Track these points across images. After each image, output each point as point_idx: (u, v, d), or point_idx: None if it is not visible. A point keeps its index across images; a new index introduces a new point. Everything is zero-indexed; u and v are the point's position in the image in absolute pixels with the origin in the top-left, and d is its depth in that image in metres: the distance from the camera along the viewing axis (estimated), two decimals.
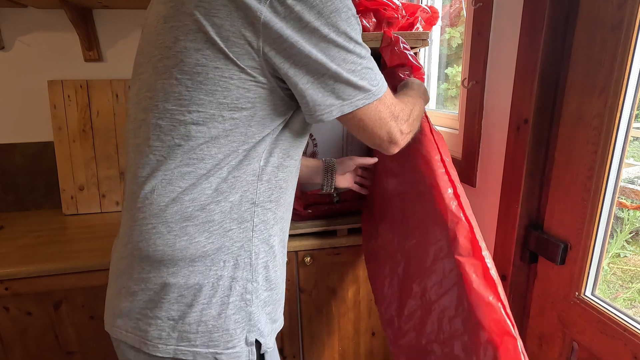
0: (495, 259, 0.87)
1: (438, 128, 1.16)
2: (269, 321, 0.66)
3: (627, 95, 0.61)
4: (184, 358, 0.60)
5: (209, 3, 0.52)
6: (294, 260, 1.10)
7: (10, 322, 1.04)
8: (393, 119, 0.63)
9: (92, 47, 1.37)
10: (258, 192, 0.61)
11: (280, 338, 1.17)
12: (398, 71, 0.91)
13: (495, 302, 0.62)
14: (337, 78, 0.55)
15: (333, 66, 0.54)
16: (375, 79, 0.59)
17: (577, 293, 0.72)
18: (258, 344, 0.64)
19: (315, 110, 0.57)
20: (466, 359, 0.65)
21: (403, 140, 0.67)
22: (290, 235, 1.10)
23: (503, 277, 0.84)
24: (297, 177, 0.71)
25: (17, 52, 1.34)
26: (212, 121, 0.56)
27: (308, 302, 1.14)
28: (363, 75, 0.57)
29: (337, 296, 1.17)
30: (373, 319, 1.22)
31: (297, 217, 1.12)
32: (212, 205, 0.58)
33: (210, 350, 0.61)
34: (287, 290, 1.12)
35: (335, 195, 1.09)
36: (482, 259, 0.64)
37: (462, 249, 0.66)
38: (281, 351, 1.18)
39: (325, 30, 0.53)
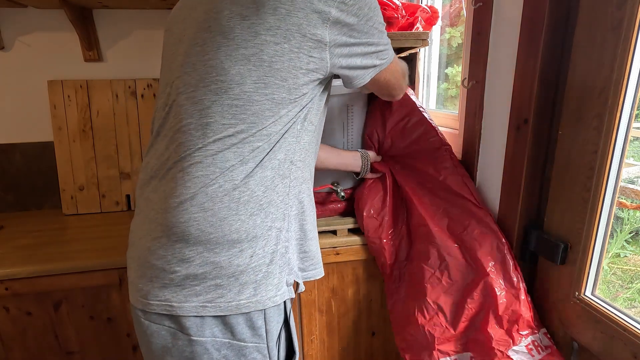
0: None
1: (438, 128, 1.16)
2: (300, 269, 0.75)
3: (627, 95, 0.61)
4: (246, 311, 0.65)
5: (291, 5, 0.62)
6: None
7: (10, 322, 1.04)
8: (399, 76, 0.86)
9: (92, 47, 1.37)
10: (294, 151, 0.69)
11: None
12: None
13: None
14: (378, 54, 0.73)
15: (377, 48, 0.72)
16: (391, 50, 0.77)
17: (577, 293, 0.72)
18: (296, 285, 0.73)
19: (357, 77, 0.73)
20: None
21: (406, 87, 0.96)
22: None
23: None
24: (318, 142, 0.81)
25: (17, 52, 1.34)
26: (281, 100, 0.65)
27: (308, 302, 1.14)
28: (388, 49, 0.75)
29: (337, 296, 1.17)
30: (373, 319, 1.22)
31: None
32: (267, 162, 0.66)
33: (261, 296, 0.66)
34: None
35: (340, 191, 1.11)
36: None
37: None
38: None
39: (372, 23, 0.68)
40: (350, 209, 1.16)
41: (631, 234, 0.78)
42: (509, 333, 0.79)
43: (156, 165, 0.70)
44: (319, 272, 0.80)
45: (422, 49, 1.23)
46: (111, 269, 1.03)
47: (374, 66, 0.75)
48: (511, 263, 0.80)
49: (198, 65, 0.67)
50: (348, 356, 1.25)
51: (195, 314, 0.63)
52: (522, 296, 0.78)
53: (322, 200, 1.13)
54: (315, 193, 1.11)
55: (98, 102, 1.38)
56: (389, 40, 0.76)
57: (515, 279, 0.79)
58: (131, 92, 1.40)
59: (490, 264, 0.80)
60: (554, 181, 0.75)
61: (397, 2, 1.00)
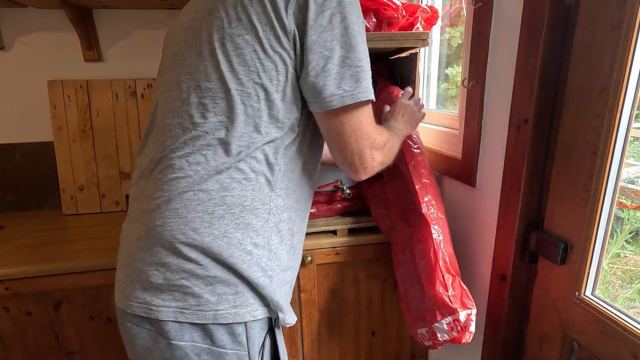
0: (495, 259, 0.87)
1: (438, 128, 1.16)
2: (285, 299, 0.72)
3: (627, 95, 0.61)
4: (223, 322, 0.63)
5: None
6: None
7: (10, 322, 1.04)
8: (369, 139, 0.67)
9: (92, 47, 1.37)
10: (276, 178, 0.66)
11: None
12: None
13: None
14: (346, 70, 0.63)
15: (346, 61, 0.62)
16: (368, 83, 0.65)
17: (577, 293, 0.72)
18: (277, 320, 0.71)
19: (320, 97, 0.64)
20: None
21: (372, 169, 0.69)
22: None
23: (503, 277, 0.84)
24: (311, 173, 0.75)
25: (17, 52, 1.34)
26: (249, 100, 0.62)
27: (308, 302, 1.14)
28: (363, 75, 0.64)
29: (337, 296, 1.17)
30: (373, 319, 1.22)
31: None
32: (246, 181, 0.64)
33: (241, 308, 0.64)
34: None
35: (346, 188, 1.10)
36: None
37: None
38: None
39: (339, 18, 0.62)
40: (350, 209, 1.16)
41: (631, 234, 0.78)
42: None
43: (144, 165, 0.69)
44: (290, 318, 0.74)
45: (422, 49, 1.23)
46: (111, 269, 1.03)
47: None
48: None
49: (176, 65, 0.67)
50: (348, 356, 1.25)
51: (173, 319, 0.62)
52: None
53: (324, 200, 1.13)
54: (318, 192, 1.11)
55: (98, 102, 1.38)
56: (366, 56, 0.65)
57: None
58: (131, 92, 1.40)
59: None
60: (554, 181, 0.75)
61: (397, 2, 1.00)
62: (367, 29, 0.99)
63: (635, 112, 0.61)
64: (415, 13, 1.03)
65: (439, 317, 0.85)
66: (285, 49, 0.62)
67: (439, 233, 0.90)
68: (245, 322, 0.64)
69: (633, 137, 0.63)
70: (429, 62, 1.32)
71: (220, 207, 0.62)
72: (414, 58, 1.07)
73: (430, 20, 1.06)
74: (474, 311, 0.85)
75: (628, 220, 0.77)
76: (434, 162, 1.13)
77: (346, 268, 1.15)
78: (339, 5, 0.61)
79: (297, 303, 1.14)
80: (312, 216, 1.12)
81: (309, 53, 0.61)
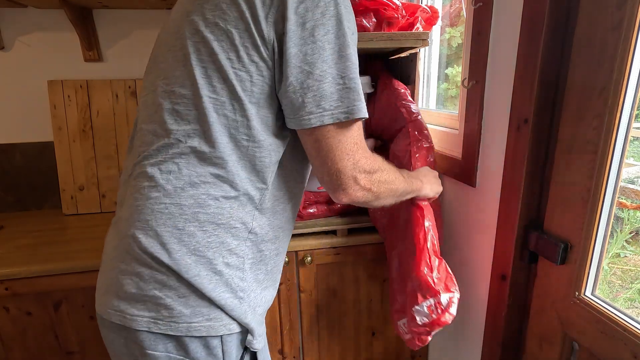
0: (495, 259, 0.87)
1: (438, 128, 1.16)
2: (259, 322, 0.68)
3: (627, 95, 0.61)
4: (197, 335, 0.61)
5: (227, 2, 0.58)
6: (294, 260, 1.10)
7: (10, 322, 1.04)
8: (351, 160, 0.62)
9: (92, 47, 1.37)
10: (263, 198, 0.64)
11: (280, 338, 1.17)
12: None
13: None
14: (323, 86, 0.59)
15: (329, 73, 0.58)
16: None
17: (577, 293, 0.72)
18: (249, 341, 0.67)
19: (296, 114, 0.60)
20: None
21: (354, 192, 0.64)
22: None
23: (503, 277, 0.84)
24: (296, 192, 0.72)
25: (17, 52, 1.34)
26: (223, 109, 0.59)
27: (308, 302, 1.14)
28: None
29: (337, 296, 1.17)
30: (373, 319, 1.22)
31: (297, 217, 1.12)
32: (224, 199, 0.61)
33: (215, 321, 0.62)
34: (287, 290, 1.12)
35: None
36: None
37: None
38: (281, 351, 1.18)
39: (323, 31, 0.57)
40: (350, 209, 1.16)
41: (631, 234, 0.78)
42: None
43: (125, 169, 0.68)
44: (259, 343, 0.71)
45: (422, 49, 1.23)
46: None
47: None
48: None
49: (154, 68, 0.66)
50: (348, 356, 1.25)
51: (147, 329, 0.60)
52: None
53: (324, 200, 1.13)
54: (318, 192, 1.11)
55: (98, 102, 1.38)
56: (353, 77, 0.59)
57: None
58: (131, 92, 1.40)
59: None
60: (553, 181, 0.75)
61: (397, 2, 1.00)
62: (367, 29, 0.99)
63: (635, 112, 0.61)
64: (415, 13, 1.03)
65: (420, 300, 0.83)
66: (263, 59, 0.58)
67: (429, 218, 0.89)
68: (220, 336, 0.62)
69: (633, 137, 0.63)
70: (429, 62, 1.32)
71: (192, 224, 0.60)
72: (413, 58, 1.07)
73: (430, 20, 1.06)
74: (457, 295, 0.83)
75: (628, 220, 0.77)
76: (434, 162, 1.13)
77: (346, 268, 1.15)
78: (323, 17, 0.57)
79: (297, 303, 1.14)
80: (312, 216, 1.12)
81: (287, 67, 0.57)
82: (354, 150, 0.62)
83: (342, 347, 1.23)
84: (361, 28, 0.98)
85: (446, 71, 1.28)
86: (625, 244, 0.79)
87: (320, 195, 1.13)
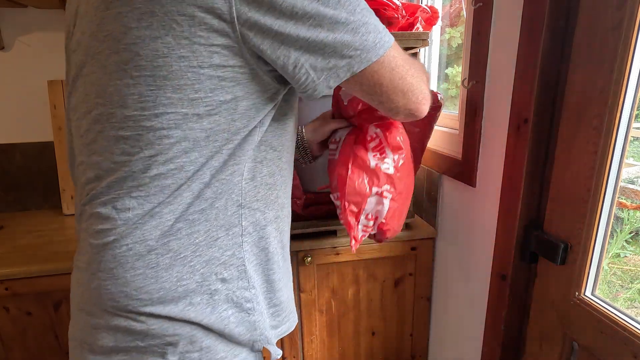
0: (495, 259, 0.87)
1: (438, 128, 1.16)
2: (270, 327, 0.62)
3: (627, 95, 0.61)
4: None
5: None
6: (294, 260, 1.10)
7: (10, 322, 1.04)
8: (406, 77, 0.55)
9: None
10: (243, 192, 0.54)
11: (281, 338, 1.17)
12: None
13: None
14: (335, 39, 0.48)
15: (329, 33, 0.47)
16: (382, 32, 0.51)
17: (577, 293, 0.72)
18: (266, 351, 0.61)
19: (314, 81, 0.50)
20: None
21: (429, 99, 0.59)
22: (290, 235, 1.10)
23: (503, 277, 0.84)
24: (289, 171, 0.64)
25: (17, 52, 1.34)
26: (187, 122, 0.48)
27: (308, 302, 1.14)
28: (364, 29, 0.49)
29: (337, 296, 1.17)
30: (373, 319, 1.22)
31: (297, 217, 1.12)
32: (196, 214, 0.51)
33: None
34: None
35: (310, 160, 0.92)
36: None
37: None
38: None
39: None
40: None
41: (631, 234, 0.78)
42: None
43: (76, 207, 0.58)
44: (292, 323, 0.67)
45: (422, 49, 1.23)
46: None
47: (334, 67, 0.49)
48: None
49: (78, 84, 0.52)
50: (348, 356, 1.25)
51: None
52: None
53: (323, 200, 1.13)
54: (316, 193, 1.11)
55: None
56: (375, 19, 0.51)
57: None
58: None
59: None
60: (554, 181, 0.75)
61: (397, 2, 1.00)
62: None
63: (635, 112, 0.61)
64: (415, 13, 1.03)
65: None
66: (225, 46, 0.46)
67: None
68: None
69: (633, 137, 0.63)
70: (429, 62, 1.32)
71: (166, 256, 0.50)
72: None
73: (430, 20, 1.06)
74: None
75: (628, 220, 0.77)
76: (434, 162, 1.13)
77: (346, 268, 1.15)
78: None
79: (297, 303, 1.14)
80: (312, 216, 1.12)
81: (264, 40, 0.46)
82: (406, 69, 0.55)
83: (342, 347, 1.23)
84: None
85: (446, 71, 1.28)
86: (625, 244, 0.79)
87: (321, 195, 1.13)
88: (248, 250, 0.57)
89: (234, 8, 0.44)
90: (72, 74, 0.54)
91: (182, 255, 0.51)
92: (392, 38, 0.53)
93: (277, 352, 0.62)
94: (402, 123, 0.79)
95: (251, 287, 0.57)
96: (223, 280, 0.54)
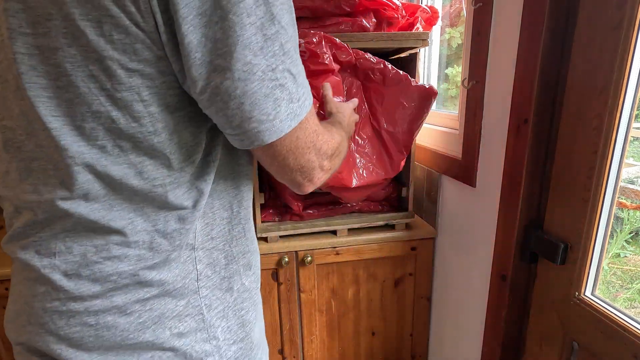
0: (495, 259, 0.87)
1: (438, 128, 1.16)
2: None
3: (627, 95, 0.61)
4: None
5: None
6: (294, 260, 1.10)
7: None
8: (315, 149, 0.47)
9: None
10: (196, 234, 0.47)
11: (280, 338, 1.17)
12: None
13: None
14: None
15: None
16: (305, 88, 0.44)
17: (577, 293, 0.72)
18: None
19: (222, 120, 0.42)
20: None
21: (320, 180, 0.51)
22: (290, 235, 1.10)
23: (503, 277, 0.84)
24: (249, 194, 0.57)
25: None
26: (107, 156, 0.40)
27: (308, 302, 1.14)
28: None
29: (337, 296, 1.17)
30: (373, 319, 1.22)
31: (297, 217, 1.12)
32: (143, 270, 0.44)
33: None
34: (287, 290, 1.12)
35: None
36: None
37: None
38: (281, 351, 1.18)
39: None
40: (350, 209, 1.16)
41: (631, 234, 0.78)
42: None
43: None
44: (266, 355, 0.60)
45: (422, 49, 1.23)
46: None
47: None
48: None
49: None
50: (348, 356, 1.25)
51: None
52: None
53: (323, 200, 1.13)
54: (318, 192, 1.11)
55: None
56: (301, 67, 0.43)
57: None
58: None
59: None
60: (554, 181, 0.75)
61: (397, 2, 1.00)
62: (367, 29, 0.99)
63: (635, 112, 0.61)
64: (415, 13, 1.03)
65: None
66: (147, 61, 0.37)
67: None
68: None
69: (633, 137, 0.63)
70: (429, 62, 1.32)
71: (109, 313, 0.43)
72: (413, 58, 1.07)
73: (430, 20, 1.06)
74: None
75: (628, 220, 0.77)
76: (434, 162, 1.13)
77: (346, 268, 1.15)
78: None
79: (297, 303, 1.14)
80: (312, 216, 1.12)
81: (191, 66, 0.37)
82: (314, 140, 0.47)
83: (342, 347, 1.23)
84: (361, 28, 0.98)
85: (446, 71, 1.28)
86: (625, 244, 0.79)
87: (321, 196, 1.13)
88: (207, 296, 0.49)
89: (155, 22, 0.37)
90: None
91: (128, 312, 0.44)
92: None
93: None
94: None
95: (212, 339, 0.50)
96: (179, 335, 0.47)
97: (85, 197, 0.41)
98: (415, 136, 1.03)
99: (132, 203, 0.43)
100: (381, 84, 0.97)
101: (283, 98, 0.40)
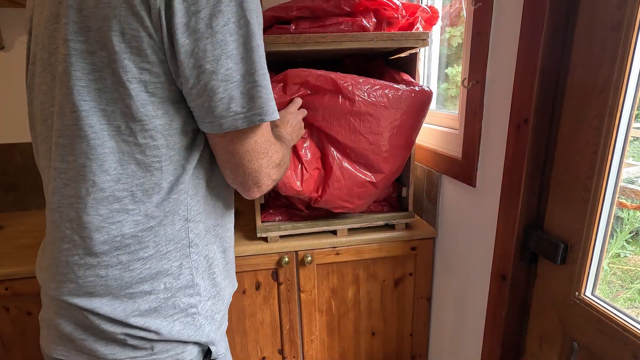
0: (495, 259, 0.87)
1: (438, 128, 1.16)
2: (217, 326, 0.65)
3: (627, 95, 0.61)
4: None
5: None
6: (294, 260, 1.10)
7: (10, 322, 1.04)
8: (265, 158, 0.58)
9: None
10: (189, 207, 0.58)
11: (280, 338, 1.17)
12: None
13: None
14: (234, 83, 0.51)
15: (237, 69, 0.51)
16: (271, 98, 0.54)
17: (577, 293, 0.72)
18: (209, 351, 0.65)
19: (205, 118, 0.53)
20: None
21: (267, 187, 0.61)
22: (290, 235, 1.10)
23: (503, 277, 0.84)
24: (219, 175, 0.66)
25: (17, 52, 1.34)
26: (120, 134, 0.51)
27: (308, 302, 1.14)
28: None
29: (337, 296, 1.17)
30: (373, 319, 1.22)
31: (297, 217, 1.12)
32: (145, 232, 0.55)
33: (171, 353, 0.60)
34: (287, 290, 1.12)
35: None
36: None
37: None
38: (281, 351, 1.18)
39: (223, 20, 0.48)
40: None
41: (631, 234, 0.78)
42: None
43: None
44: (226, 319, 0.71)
45: (422, 49, 1.23)
46: None
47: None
48: None
49: (36, 92, 0.57)
50: (348, 356, 1.24)
51: None
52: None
53: None
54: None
55: None
56: (268, 80, 0.53)
57: None
58: None
59: None
60: (554, 181, 0.75)
61: (397, 2, 1.00)
62: (367, 29, 0.98)
63: (635, 112, 0.61)
64: (415, 13, 1.03)
65: None
66: (154, 63, 0.49)
67: None
68: None
69: (633, 137, 0.63)
70: (429, 62, 1.32)
71: (115, 268, 0.54)
72: (413, 58, 1.07)
73: (430, 20, 1.06)
74: None
75: (628, 220, 0.77)
76: (434, 162, 1.13)
77: (346, 268, 1.15)
78: (219, 2, 0.47)
79: (297, 303, 1.14)
80: (312, 216, 1.12)
81: (185, 67, 0.48)
82: (267, 148, 0.58)
83: (342, 347, 1.23)
84: (361, 28, 0.98)
85: (446, 71, 1.28)
86: (625, 244, 0.79)
87: None
88: (195, 260, 0.60)
89: (159, 28, 0.48)
90: (28, 83, 0.60)
91: (131, 268, 0.55)
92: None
93: (218, 352, 0.66)
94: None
95: (196, 294, 0.60)
96: (170, 289, 0.58)
97: (101, 167, 0.51)
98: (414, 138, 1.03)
99: (134, 178, 0.52)
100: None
101: (260, 97, 0.52)
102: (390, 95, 0.96)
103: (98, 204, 0.52)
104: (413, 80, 1.07)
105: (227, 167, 0.58)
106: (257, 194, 0.61)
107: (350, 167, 1.00)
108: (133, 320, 0.56)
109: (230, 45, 0.49)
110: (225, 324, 0.70)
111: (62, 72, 0.49)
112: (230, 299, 0.72)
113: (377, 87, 0.95)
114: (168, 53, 0.49)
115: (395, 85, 0.96)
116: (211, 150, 0.59)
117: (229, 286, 0.70)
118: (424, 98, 0.99)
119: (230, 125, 0.52)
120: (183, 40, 0.47)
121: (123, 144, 0.51)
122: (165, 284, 0.57)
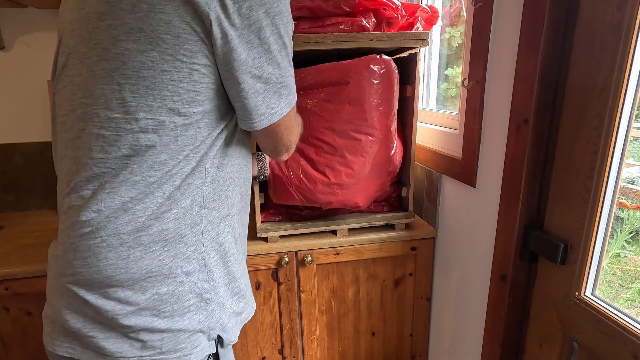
0: (495, 259, 0.87)
1: (438, 128, 1.16)
2: (232, 314, 0.68)
3: (627, 95, 0.61)
4: None
5: None
6: (294, 260, 1.10)
7: (10, 322, 1.04)
8: (296, 132, 0.72)
9: None
10: (205, 194, 0.60)
11: (280, 338, 1.17)
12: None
13: None
14: (278, 82, 0.60)
15: (275, 71, 0.58)
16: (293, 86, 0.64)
17: (577, 293, 0.72)
18: (220, 339, 0.66)
19: (252, 117, 0.60)
20: None
21: (293, 150, 0.76)
22: (290, 235, 1.10)
23: (503, 277, 0.84)
24: (246, 172, 0.71)
25: (17, 52, 1.34)
26: (163, 128, 0.54)
27: (308, 302, 1.14)
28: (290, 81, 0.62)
29: (337, 296, 1.17)
30: (373, 319, 1.22)
31: (297, 217, 1.12)
32: (166, 213, 0.57)
33: (178, 354, 0.61)
34: (287, 290, 1.12)
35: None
36: None
37: None
38: (281, 351, 1.18)
39: (269, 32, 0.55)
40: (351, 210, 1.16)
41: (631, 234, 0.78)
42: None
43: (58, 197, 0.63)
44: (252, 309, 0.75)
45: (422, 49, 1.23)
46: None
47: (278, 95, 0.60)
48: None
49: (66, 83, 0.58)
50: (348, 356, 1.24)
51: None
52: None
53: None
54: None
55: None
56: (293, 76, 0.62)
57: None
58: None
59: None
60: (554, 181, 0.75)
61: (397, 2, 1.00)
62: (367, 29, 0.98)
63: (635, 112, 0.61)
64: (415, 13, 1.03)
65: None
66: (204, 65, 0.54)
67: None
68: None
69: (633, 137, 0.63)
70: (429, 62, 1.32)
71: (137, 249, 0.56)
72: (414, 58, 1.07)
73: (430, 20, 1.06)
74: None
75: (628, 220, 0.77)
76: (434, 162, 1.13)
77: (346, 268, 1.15)
78: (267, 16, 0.53)
79: (297, 303, 1.14)
80: (312, 216, 1.12)
81: (238, 73, 0.55)
82: (294, 126, 0.70)
83: (342, 347, 1.23)
84: (361, 28, 0.98)
85: (446, 71, 1.28)
86: (625, 244, 0.79)
87: None
88: (208, 246, 0.62)
89: (213, 35, 0.52)
90: (57, 74, 0.61)
91: (151, 250, 0.57)
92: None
93: (229, 339, 0.68)
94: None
95: (210, 280, 0.63)
96: (187, 273, 0.60)
97: (142, 157, 0.54)
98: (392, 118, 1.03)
99: (165, 166, 0.56)
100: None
101: (286, 94, 0.61)
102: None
103: (131, 187, 0.55)
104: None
105: (267, 147, 0.70)
106: (286, 157, 0.76)
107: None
108: (145, 311, 0.58)
109: (272, 53, 0.56)
110: (248, 314, 0.73)
111: (113, 69, 0.52)
112: (250, 289, 0.75)
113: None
114: (218, 58, 0.54)
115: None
116: (230, 141, 0.64)
117: (245, 275, 0.73)
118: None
119: (268, 121, 0.60)
120: (238, 49, 0.53)
121: (165, 138, 0.55)
122: (181, 267, 0.59)
